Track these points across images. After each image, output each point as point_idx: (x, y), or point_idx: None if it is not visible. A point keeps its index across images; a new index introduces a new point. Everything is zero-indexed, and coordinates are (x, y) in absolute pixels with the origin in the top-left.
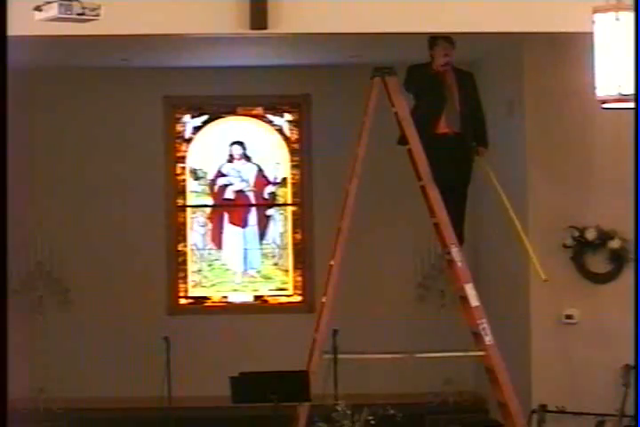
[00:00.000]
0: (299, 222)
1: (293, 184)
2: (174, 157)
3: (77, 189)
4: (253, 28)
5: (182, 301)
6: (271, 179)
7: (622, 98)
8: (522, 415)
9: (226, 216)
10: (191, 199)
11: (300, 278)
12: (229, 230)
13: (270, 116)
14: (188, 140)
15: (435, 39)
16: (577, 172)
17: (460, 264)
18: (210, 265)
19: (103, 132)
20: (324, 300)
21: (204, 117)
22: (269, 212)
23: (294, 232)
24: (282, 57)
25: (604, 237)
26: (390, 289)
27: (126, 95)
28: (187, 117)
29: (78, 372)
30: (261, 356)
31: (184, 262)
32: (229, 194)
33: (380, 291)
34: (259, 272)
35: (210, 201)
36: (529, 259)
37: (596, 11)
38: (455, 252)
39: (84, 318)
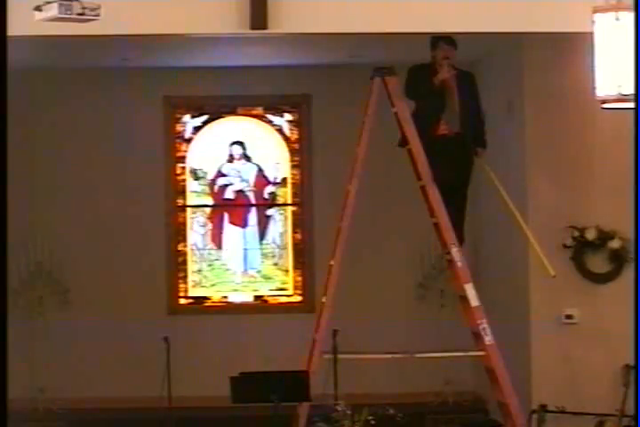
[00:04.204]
0: (299, 222)
1: (293, 184)
2: (174, 157)
3: (77, 188)
4: (253, 28)
5: (182, 301)
6: (271, 179)
7: (622, 98)
8: (522, 415)
9: (226, 216)
10: (191, 199)
11: (300, 278)
12: (229, 230)
13: (270, 116)
14: (188, 140)
15: (437, 41)
16: (577, 172)
17: (459, 264)
18: (210, 265)
19: (103, 133)
20: (323, 300)
21: (204, 117)
22: (269, 212)
23: (294, 232)
24: (282, 57)
25: (604, 237)
26: (390, 289)
27: (126, 95)
28: (187, 117)
29: (78, 372)
30: (261, 356)
31: (184, 262)
32: (229, 194)
33: (380, 291)
34: (259, 272)
35: (210, 201)
36: (536, 256)
37: (596, 11)
38: (455, 252)
39: (83, 318)
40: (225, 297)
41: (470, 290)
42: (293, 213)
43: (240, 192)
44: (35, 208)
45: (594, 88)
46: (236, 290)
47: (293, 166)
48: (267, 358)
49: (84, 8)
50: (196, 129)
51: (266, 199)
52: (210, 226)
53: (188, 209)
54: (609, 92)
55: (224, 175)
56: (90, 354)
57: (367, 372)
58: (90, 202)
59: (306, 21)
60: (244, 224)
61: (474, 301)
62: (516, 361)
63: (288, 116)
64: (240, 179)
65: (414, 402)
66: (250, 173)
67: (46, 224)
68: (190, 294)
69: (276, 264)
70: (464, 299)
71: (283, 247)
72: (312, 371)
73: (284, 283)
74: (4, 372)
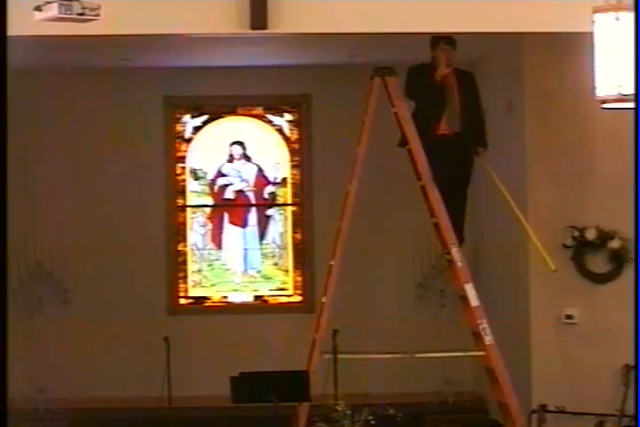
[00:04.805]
0: (299, 222)
1: (293, 184)
2: (174, 157)
3: (77, 188)
4: (253, 28)
5: (182, 301)
6: (271, 179)
7: (622, 98)
8: (522, 415)
9: (226, 216)
10: (191, 199)
11: (299, 278)
12: (229, 230)
13: (270, 116)
14: (188, 140)
15: (437, 41)
16: (577, 172)
17: (459, 264)
18: (210, 265)
19: (103, 132)
20: (323, 300)
21: (204, 117)
22: (269, 212)
23: (294, 232)
24: (282, 57)
25: (604, 237)
26: (390, 289)
27: (126, 95)
28: (187, 117)
29: (78, 372)
30: (261, 356)
31: (184, 262)
32: (229, 194)
33: (380, 291)
34: (259, 272)
35: (210, 201)
36: (537, 255)
37: (596, 11)
38: (455, 252)
39: (83, 318)
40: (225, 297)
41: (470, 290)
42: (293, 213)
43: (240, 192)
44: (35, 208)
45: (594, 88)
46: (236, 290)
47: (293, 166)
48: (267, 358)
49: (84, 8)
50: (196, 129)
51: (266, 199)
52: (210, 226)
53: (188, 209)
54: (609, 92)
55: (224, 175)
56: (90, 354)
57: (367, 372)
58: (90, 202)
59: (306, 21)
60: (244, 224)
61: (474, 301)
62: (516, 361)
63: (288, 116)
64: (240, 179)
65: (414, 402)
66: (250, 173)
67: (46, 224)
68: (190, 294)
69: (276, 264)
70: (464, 299)
71: (283, 247)
72: (312, 371)
73: (284, 283)
74: (4, 372)
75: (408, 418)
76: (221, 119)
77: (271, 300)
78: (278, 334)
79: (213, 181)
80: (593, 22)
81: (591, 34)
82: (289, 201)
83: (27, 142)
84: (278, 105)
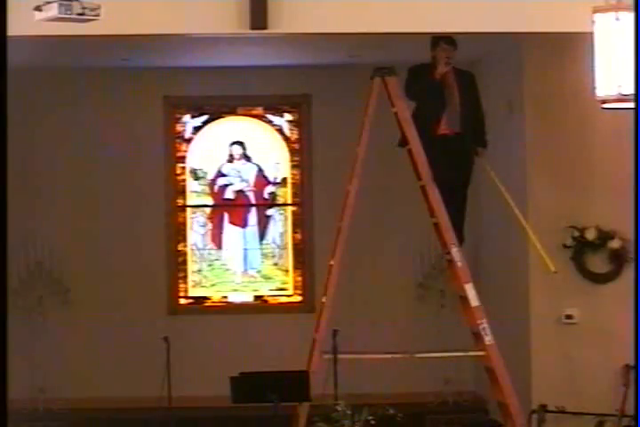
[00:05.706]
0: (299, 222)
1: (293, 184)
2: (174, 157)
3: (77, 188)
4: (253, 28)
5: (182, 301)
6: (271, 179)
7: (622, 98)
8: (522, 415)
9: (226, 216)
10: (191, 199)
11: (300, 278)
12: (229, 230)
13: (270, 116)
14: (188, 140)
15: (437, 41)
16: (577, 172)
17: (459, 264)
18: (210, 265)
19: (103, 133)
20: (324, 300)
21: (204, 117)
22: (269, 212)
23: (294, 232)
24: (282, 57)
25: (604, 237)
26: (390, 289)
27: (126, 95)
28: (187, 117)
29: (78, 372)
30: (261, 356)
31: (184, 262)
32: (229, 194)
33: (380, 291)
34: (259, 272)
35: (210, 201)
36: (536, 255)
37: (596, 11)
38: (455, 252)
39: (83, 318)
40: (225, 297)
41: (470, 290)
42: (293, 213)
43: (240, 192)
44: (35, 208)
45: (594, 88)
46: (235, 290)
47: (293, 166)
48: (267, 358)
49: (83, 8)
50: (196, 129)
51: (266, 199)
52: (210, 226)
53: (188, 209)
54: (609, 92)
55: (224, 175)
56: (90, 354)
57: (367, 372)
58: (90, 202)
59: (306, 21)
60: (244, 224)
61: (474, 301)
62: (516, 361)
63: (288, 116)
64: (240, 179)
65: (414, 402)
66: (250, 173)
67: (46, 224)
68: (190, 294)
69: (275, 264)
70: (464, 299)
71: (283, 247)
72: (312, 371)
73: (284, 283)
74: (4, 372)
75: (408, 418)
76: (221, 119)
77: (271, 300)
78: (278, 334)
79: (213, 181)
80: (593, 22)
81: (591, 34)
82: (289, 201)
83: (26, 142)
84: (278, 105)
